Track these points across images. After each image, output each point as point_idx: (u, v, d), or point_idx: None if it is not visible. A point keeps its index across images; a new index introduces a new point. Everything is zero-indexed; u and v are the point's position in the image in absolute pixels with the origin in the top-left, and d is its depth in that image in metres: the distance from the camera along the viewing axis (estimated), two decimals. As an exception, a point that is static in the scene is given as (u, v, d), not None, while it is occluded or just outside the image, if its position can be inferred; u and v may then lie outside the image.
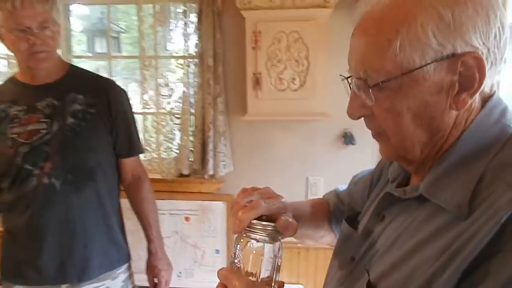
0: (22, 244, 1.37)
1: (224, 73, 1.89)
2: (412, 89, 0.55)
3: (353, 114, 0.62)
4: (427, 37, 0.52)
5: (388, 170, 0.74)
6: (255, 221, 0.66)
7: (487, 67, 0.53)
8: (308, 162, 1.96)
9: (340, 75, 0.64)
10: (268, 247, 0.65)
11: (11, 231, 1.40)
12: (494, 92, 0.58)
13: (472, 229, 0.48)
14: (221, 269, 0.65)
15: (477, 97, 0.56)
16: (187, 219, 2.00)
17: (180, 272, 2.00)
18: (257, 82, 1.79)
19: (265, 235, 0.65)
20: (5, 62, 2.01)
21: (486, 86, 0.56)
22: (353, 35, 0.60)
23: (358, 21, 0.59)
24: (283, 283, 0.67)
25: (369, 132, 0.65)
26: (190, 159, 1.95)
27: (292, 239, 0.78)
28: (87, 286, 1.40)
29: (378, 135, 0.63)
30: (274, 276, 0.66)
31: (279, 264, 0.66)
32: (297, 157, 1.96)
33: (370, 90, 0.57)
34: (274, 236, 0.65)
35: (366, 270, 0.61)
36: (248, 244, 0.67)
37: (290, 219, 0.69)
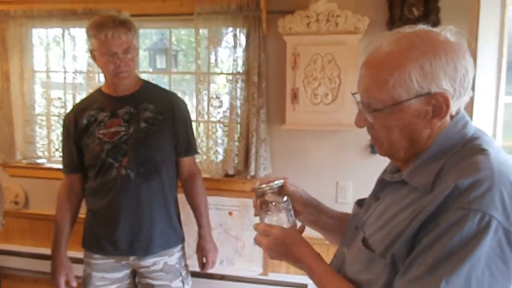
0: (101, 222, 1.68)
1: (267, 88, 2.11)
2: (399, 114, 0.80)
3: (358, 124, 0.89)
4: (411, 81, 0.77)
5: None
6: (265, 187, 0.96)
7: (452, 101, 0.78)
8: (338, 168, 2.14)
9: (351, 92, 0.90)
10: (283, 211, 0.94)
11: (93, 211, 1.71)
12: (459, 111, 0.83)
13: (429, 199, 0.74)
14: (257, 224, 0.94)
15: (446, 118, 0.81)
16: (230, 213, 2.23)
17: (222, 260, 2.21)
18: (295, 96, 2.01)
19: (275, 191, 0.94)
20: (84, 75, 2.40)
21: (453, 110, 0.80)
22: (362, 66, 0.86)
23: (366, 57, 0.86)
24: (303, 226, 0.98)
25: None
26: (235, 162, 2.18)
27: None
28: (150, 259, 1.69)
29: (375, 140, 0.89)
30: (295, 223, 0.95)
31: (293, 216, 0.95)
32: (328, 163, 2.14)
33: (371, 113, 0.83)
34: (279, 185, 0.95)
35: (363, 231, 0.87)
36: (267, 216, 0.96)
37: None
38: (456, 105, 0.80)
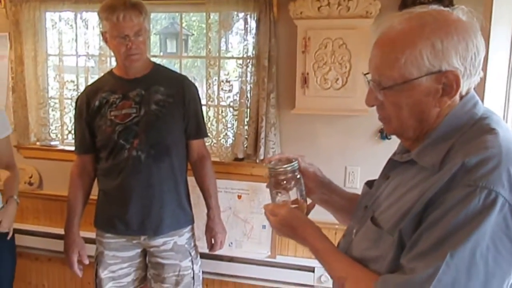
0: (113, 202, 1.72)
1: (277, 72, 2.11)
2: (409, 92, 0.81)
3: (368, 103, 0.89)
4: (422, 59, 0.78)
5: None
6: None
7: (462, 80, 0.78)
8: (347, 153, 2.14)
9: (362, 72, 0.91)
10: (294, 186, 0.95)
11: (105, 191, 1.75)
12: (469, 91, 0.83)
13: (437, 177, 0.75)
14: (266, 205, 0.96)
15: (456, 97, 0.81)
16: (239, 197, 2.25)
17: (231, 243, 2.25)
18: (305, 81, 2.00)
19: (287, 167, 0.94)
20: (96, 58, 2.42)
21: (463, 90, 0.81)
22: (374, 45, 0.86)
23: (378, 36, 0.86)
24: (313, 204, 1.00)
25: None
26: (245, 146, 2.19)
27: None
28: (160, 239, 1.73)
29: (383, 119, 0.90)
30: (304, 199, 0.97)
31: (304, 195, 0.96)
32: (337, 148, 2.14)
33: (382, 91, 0.84)
34: (295, 169, 0.95)
35: (372, 210, 0.89)
36: (278, 196, 0.98)
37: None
38: (466, 85, 0.80)
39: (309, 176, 1.04)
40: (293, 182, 0.97)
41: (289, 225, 0.95)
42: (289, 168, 0.97)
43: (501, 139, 0.75)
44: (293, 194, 0.98)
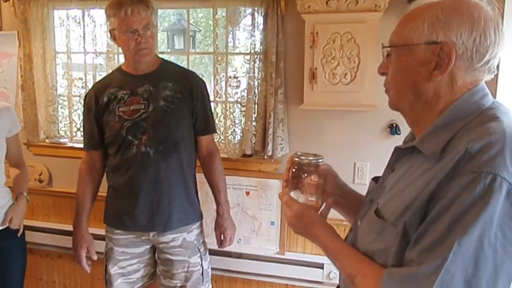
0: (122, 198, 1.72)
1: (285, 68, 2.09)
2: (406, 57, 0.83)
3: (379, 69, 0.92)
4: (423, 26, 0.80)
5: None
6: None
7: (462, 60, 0.78)
8: (356, 148, 2.12)
9: (382, 44, 0.91)
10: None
11: (114, 187, 1.76)
12: (477, 83, 0.82)
13: (441, 166, 0.73)
14: (282, 193, 0.96)
15: (459, 78, 0.80)
16: (247, 193, 2.25)
17: (239, 239, 2.25)
18: (313, 76, 1.99)
19: (312, 159, 0.94)
20: (104, 56, 2.43)
21: (466, 77, 0.80)
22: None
23: None
24: (328, 210, 0.99)
25: None
26: (253, 142, 2.18)
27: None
28: (169, 235, 1.73)
29: (386, 90, 0.91)
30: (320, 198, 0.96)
31: (320, 195, 0.96)
32: (346, 144, 2.12)
33: (387, 55, 0.87)
34: (318, 164, 0.95)
35: (377, 202, 0.88)
36: (294, 191, 0.97)
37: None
38: (467, 72, 0.79)
39: (329, 178, 1.04)
40: (312, 176, 0.96)
41: (301, 222, 0.95)
42: (313, 161, 0.96)
43: (505, 125, 0.74)
44: (311, 190, 0.97)
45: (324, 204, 1.01)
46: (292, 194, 0.98)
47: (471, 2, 0.79)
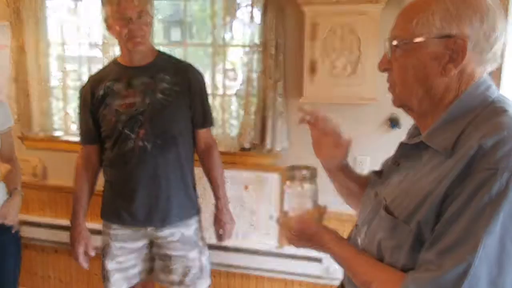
0: (119, 193, 1.69)
1: (284, 60, 2.05)
2: (417, 53, 0.80)
3: (380, 66, 0.88)
4: (434, 20, 0.77)
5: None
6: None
7: (473, 52, 0.76)
8: (357, 142, 2.02)
9: (388, 38, 0.88)
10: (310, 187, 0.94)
11: (111, 182, 1.73)
12: (483, 75, 0.80)
13: (453, 162, 0.71)
14: (278, 218, 1.00)
15: (469, 71, 0.78)
16: (246, 187, 2.23)
17: (238, 234, 2.21)
18: (313, 69, 1.96)
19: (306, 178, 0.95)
20: (99, 48, 2.38)
21: (475, 70, 0.78)
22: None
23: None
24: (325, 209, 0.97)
25: None
26: (251, 135, 2.15)
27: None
28: (168, 230, 1.70)
29: (391, 87, 0.88)
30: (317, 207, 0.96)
31: (317, 200, 0.95)
32: None
33: (392, 51, 0.83)
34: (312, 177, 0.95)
35: (384, 198, 0.86)
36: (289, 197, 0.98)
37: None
38: (477, 64, 0.78)
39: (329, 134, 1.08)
40: (305, 191, 0.97)
41: (304, 234, 0.94)
42: (306, 174, 0.97)
43: None
44: (306, 202, 0.97)
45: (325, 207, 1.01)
46: (287, 202, 0.99)
47: None
